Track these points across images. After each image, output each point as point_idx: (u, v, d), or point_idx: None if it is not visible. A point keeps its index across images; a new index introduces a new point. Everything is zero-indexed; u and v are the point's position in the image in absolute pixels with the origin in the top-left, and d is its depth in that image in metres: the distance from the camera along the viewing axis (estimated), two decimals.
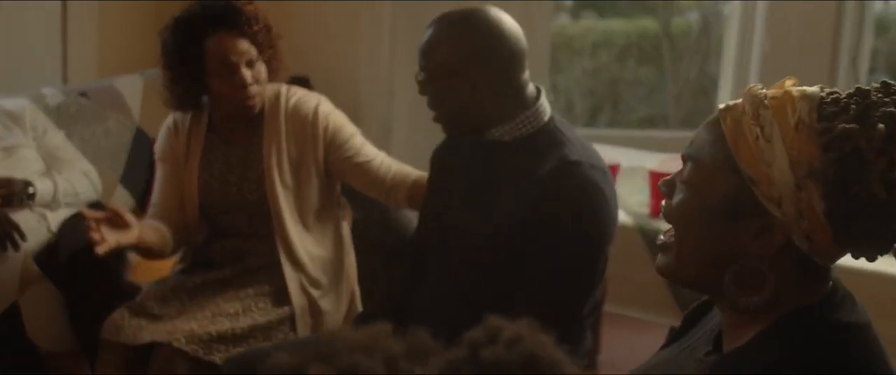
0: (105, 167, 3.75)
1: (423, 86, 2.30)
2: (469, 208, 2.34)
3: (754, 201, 1.24)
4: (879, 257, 1.27)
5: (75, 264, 3.10)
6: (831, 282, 1.30)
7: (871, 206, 1.20)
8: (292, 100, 2.80)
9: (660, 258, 1.37)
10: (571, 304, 2.26)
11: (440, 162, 2.53)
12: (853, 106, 1.22)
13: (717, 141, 1.28)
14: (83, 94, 3.91)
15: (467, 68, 2.20)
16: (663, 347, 1.55)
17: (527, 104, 2.27)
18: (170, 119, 2.88)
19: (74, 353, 3.13)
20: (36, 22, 4.14)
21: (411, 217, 3.30)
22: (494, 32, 2.21)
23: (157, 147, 2.89)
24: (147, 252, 2.75)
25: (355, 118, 4.20)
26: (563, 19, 7.30)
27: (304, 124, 2.78)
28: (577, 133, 2.31)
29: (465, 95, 2.23)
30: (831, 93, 1.25)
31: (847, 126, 1.19)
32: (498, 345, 0.99)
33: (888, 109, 1.20)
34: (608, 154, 2.83)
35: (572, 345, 2.37)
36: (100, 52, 4.31)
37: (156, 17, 4.40)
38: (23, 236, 3.04)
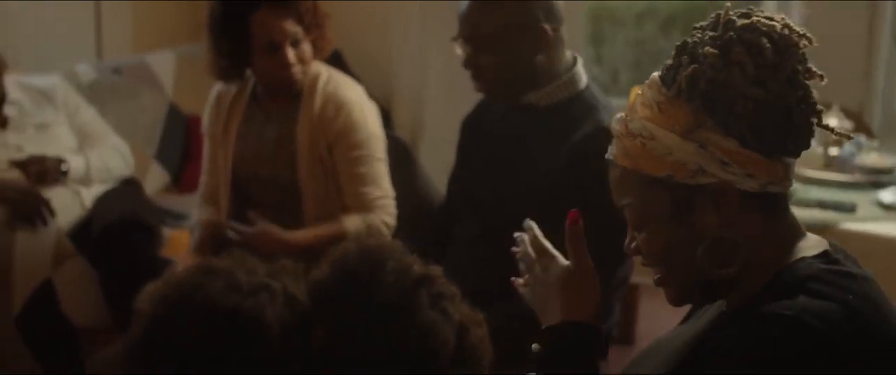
0: (139, 143, 3.76)
1: (473, 56, 2.28)
2: (500, 173, 2.33)
3: (687, 187, 1.29)
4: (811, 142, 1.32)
5: (108, 240, 3.11)
6: (830, 245, 1.34)
7: (761, 107, 1.26)
8: (331, 86, 2.75)
9: (666, 294, 1.40)
10: (600, 272, 2.22)
11: (470, 128, 2.52)
12: (684, 56, 1.29)
13: (624, 176, 1.34)
14: (116, 71, 3.92)
15: (505, 33, 2.21)
16: (681, 323, 1.53)
17: (563, 70, 2.26)
18: (214, 91, 2.86)
19: (108, 328, 3.14)
20: None
21: (435, 188, 3.28)
22: None
23: (204, 121, 2.88)
24: None
25: (388, 91, 4.20)
26: None
27: (333, 112, 2.74)
28: (612, 102, 2.30)
29: (523, 58, 2.23)
30: (664, 66, 1.33)
31: (686, 72, 1.27)
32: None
33: (708, 35, 1.28)
34: None
35: (606, 317, 2.34)
36: (134, 27, 4.31)
37: None
38: (52, 212, 3.07)
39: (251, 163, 2.80)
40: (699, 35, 1.30)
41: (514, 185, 2.27)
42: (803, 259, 1.30)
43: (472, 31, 2.27)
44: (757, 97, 1.25)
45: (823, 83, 1.31)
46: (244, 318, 1.15)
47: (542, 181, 2.20)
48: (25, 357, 3.05)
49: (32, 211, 3.02)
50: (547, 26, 2.23)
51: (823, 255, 1.31)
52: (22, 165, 3.14)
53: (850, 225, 2.82)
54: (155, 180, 3.89)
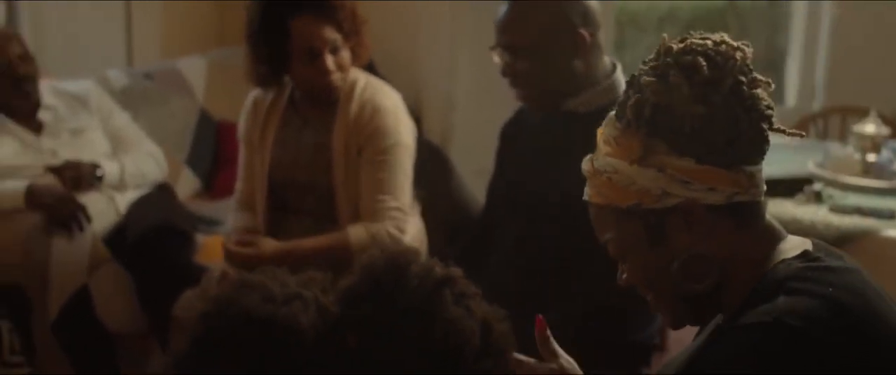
0: (170, 149, 3.76)
1: (512, 63, 2.28)
2: (540, 180, 2.32)
3: (655, 212, 1.34)
4: (765, 150, 1.36)
5: (144, 246, 3.12)
6: (812, 244, 1.37)
7: (707, 122, 1.30)
8: (368, 92, 2.74)
9: (662, 319, 1.48)
10: None
11: (509, 135, 2.51)
12: (630, 90, 1.35)
13: (599, 213, 1.41)
14: (148, 76, 3.93)
15: (542, 40, 2.21)
16: (695, 338, 1.54)
17: (601, 76, 2.26)
18: (250, 98, 2.85)
19: (143, 334, 3.14)
20: (100, 4, 4.16)
21: (476, 195, 3.27)
22: (571, 3, 2.22)
23: (240, 128, 2.87)
24: None
25: (418, 98, 4.20)
26: None
27: (366, 116, 2.74)
28: None
29: (561, 63, 2.23)
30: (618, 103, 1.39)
31: (631, 103, 1.33)
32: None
33: (649, 66, 1.35)
34: None
35: (643, 321, 2.33)
36: (163, 32, 4.32)
37: None
38: (88, 218, 3.07)
39: (288, 168, 2.79)
40: (642, 67, 1.36)
41: (554, 192, 2.26)
42: (783, 261, 1.32)
43: (510, 39, 2.27)
44: (701, 113, 1.29)
45: (771, 88, 1.33)
46: (280, 326, 1.22)
47: (583, 188, 2.20)
48: (62, 363, 3.05)
49: (69, 216, 3.02)
50: (584, 31, 2.23)
51: (802, 255, 1.33)
52: (57, 171, 3.14)
53: (893, 232, 2.78)
54: (186, 186, 3.89)
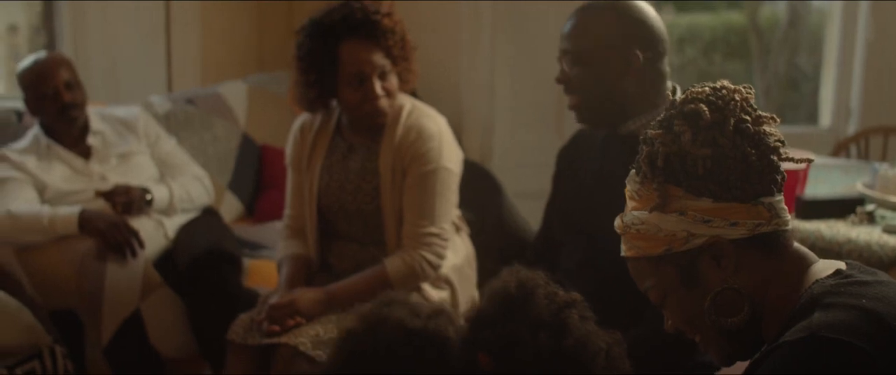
0: (213, 173, 3.78)
1: (567, 71, 2.28)
2: (600, 205, 2.31)
3: (685, 254, 1.42)
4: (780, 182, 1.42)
5: (194, 270, 3.12)
6: (845, 264, 1.41)
7: (716, 162, 1.38)
8: (414, 117, 2.75)
9: (713, 359, 1.50)
10: None
11: (566, 159, 2.51)
12: (642, 146, 1.45)
13: (635, 266, 1.48)
14: (190, 101, 3.95)
15: (624, 47, 2.22)
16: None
17: (660, 102, 2.27)
18: (297, 123, 2.87)
19: (195, 358, 3.14)
20: (140, 31, 4.19)
21: (526, 220, 3.28)
22: (643, 18, 2.24)
23: (287, 153, 2.88)
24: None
25: (458, 121, 4.22)
26: None
27: (411, 140, 2.74)
28: None
29: (610, 78, 2.24)
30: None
31: (642, 157, 1.43)
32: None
33: (656, 121, 1.45)
34: None
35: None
36: (202, 58, 4.34)
37: (257, 21, 4.45)
38: (142, 243, 3.07)
39: (336, 195, 2.80)
40: (651, 124, 1.46)
41: (615, 216, 2.26)
42: (816, 281, 1.37)
43: (566, 46, 2.30)
44: (708, 155, 1.37)
45: (777, 123, 1.41)
46: (431, 336, 1.28)
47: None
48: None
49: (123, 241, 3.02)
50: (639, 53, 2.23)
51: (835, 273, 1.38)
52: (107, 195, 3.15)
53: None
54: (229, 210, 3.90)
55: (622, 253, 1.49)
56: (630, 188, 1.47)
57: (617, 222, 1.49)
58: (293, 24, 4.46)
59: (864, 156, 4.30)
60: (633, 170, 1.48)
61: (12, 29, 6.40)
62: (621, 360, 1.37)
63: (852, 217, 2.96)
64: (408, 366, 1.26)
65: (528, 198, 3.58)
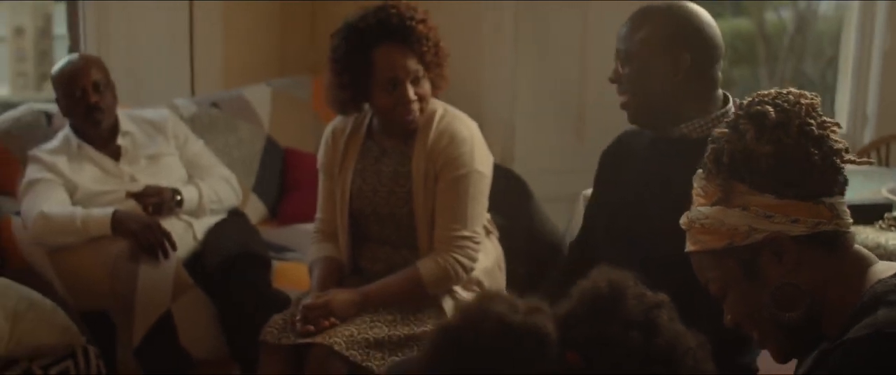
0: (238, 176, 3.78)
1: (620, 70, 2.29)
2: (646, 208, 2.32)
3: (747, 248, 1.45)
4: (845, 183, 1.46)
5: (224, 272, 3.14)
6: None
7: (779, 160, 1.42)
8: (445, 121, 2.78)
9: (770, 354, 1.53)
10: None
11: (610, 161, 2.52)
12: (709, 145, 1.50)
13: (698, 260, 1.52)
14: (214, 105, 3.97)
15: (672, 48, 2.22)
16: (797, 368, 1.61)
17: (718, 103, 2.28)
18: (329, 128, 2.88)
19: (225, 359, 3.16)
20: (164, 33, 4.20)
21: (551, 223, 3.29)
22: (695, 21, 2.25)
23: (319, 158, 2.90)
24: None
25: (479, 124, 4.23)
26: None
27: (443, 144, 2.76)
28: None
29: (658, 79, 2.25)
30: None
31: (708, 154, 1.48)
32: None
33: (723, 123, 1.50)
34: None
35: (751, 348, 2.34)
36: (225, 61, 4.36)
37: (280, 24, 4.46)
38: (173, 245, 3.08)
39: (369, 199, 2.82)
40: (720, 125, 1.52)
41: (662, 219, 2.27)
42: (879, 281, 1.38)
43: (620, 45, 2.31)
44: (771, 152, 1.42)
45: (841, 130, 1.45)
46: (532, 330, 1.28)
47: None
48: None
49: (156, 243, 3.04)
50: (687, 55, 2.24)
51: None
52: (138, 196, 3.17)
53: None
54: (253, 212, 3.91)
55: (686, 249, 1.52)
56: (696, 185, 1.51)
57: (682, 219, 1.53)
58: (316, 28, 4.49)
59: (885, 162, 4.32)
60: (700, 169, 1.51)
61: (19, 31, 6.42)
62: (706, 362, 1.37)
63: (880, 222, 2.98)
64: (507, 361, 1.27)
65: (549, 201, 3.59)
